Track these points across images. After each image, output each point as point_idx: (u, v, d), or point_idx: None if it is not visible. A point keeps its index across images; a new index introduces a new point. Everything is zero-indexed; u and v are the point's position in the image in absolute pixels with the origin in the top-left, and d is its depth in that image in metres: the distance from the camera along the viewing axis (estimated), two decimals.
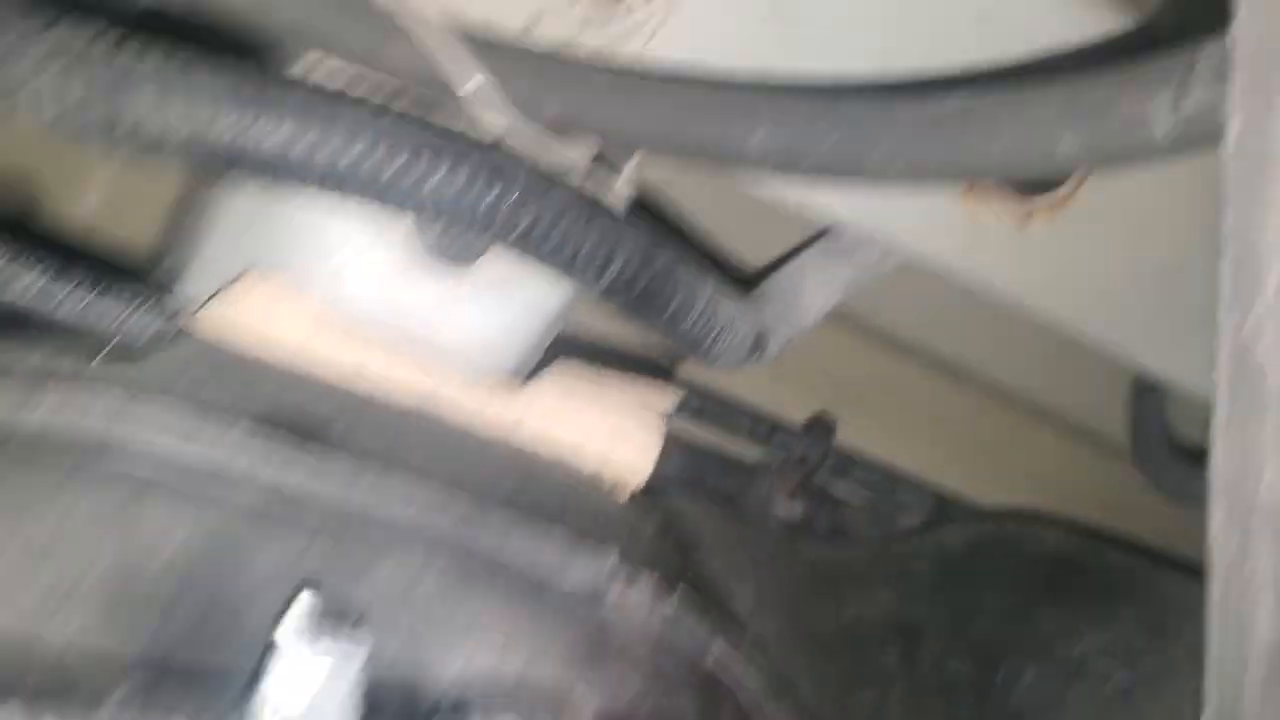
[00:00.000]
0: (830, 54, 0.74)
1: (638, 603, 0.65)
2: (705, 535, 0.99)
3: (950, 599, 1.09)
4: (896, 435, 1.26)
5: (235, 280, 0.70)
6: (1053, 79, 0.57)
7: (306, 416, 0.64)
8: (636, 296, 0.71)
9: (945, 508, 1.25)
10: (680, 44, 0.73)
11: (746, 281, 0.91)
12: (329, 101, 0.60)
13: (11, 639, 0.48)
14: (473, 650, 0.57)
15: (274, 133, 0.59)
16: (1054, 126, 0.56)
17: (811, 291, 0.90)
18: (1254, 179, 0.40)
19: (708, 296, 0.75)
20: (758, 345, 0.83)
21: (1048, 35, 0.77)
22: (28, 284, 0.66)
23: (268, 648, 0.45)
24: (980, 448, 1.28)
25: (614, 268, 0.68)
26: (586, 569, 0.64)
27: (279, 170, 0.60)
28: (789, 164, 0.65)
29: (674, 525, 0.85)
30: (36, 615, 0.49)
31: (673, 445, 1.19)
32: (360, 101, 0.62)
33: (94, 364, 0.62)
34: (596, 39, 0.73)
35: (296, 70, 0.68)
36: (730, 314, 0.77)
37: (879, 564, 1.13)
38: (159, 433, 0.57)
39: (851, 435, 1.23)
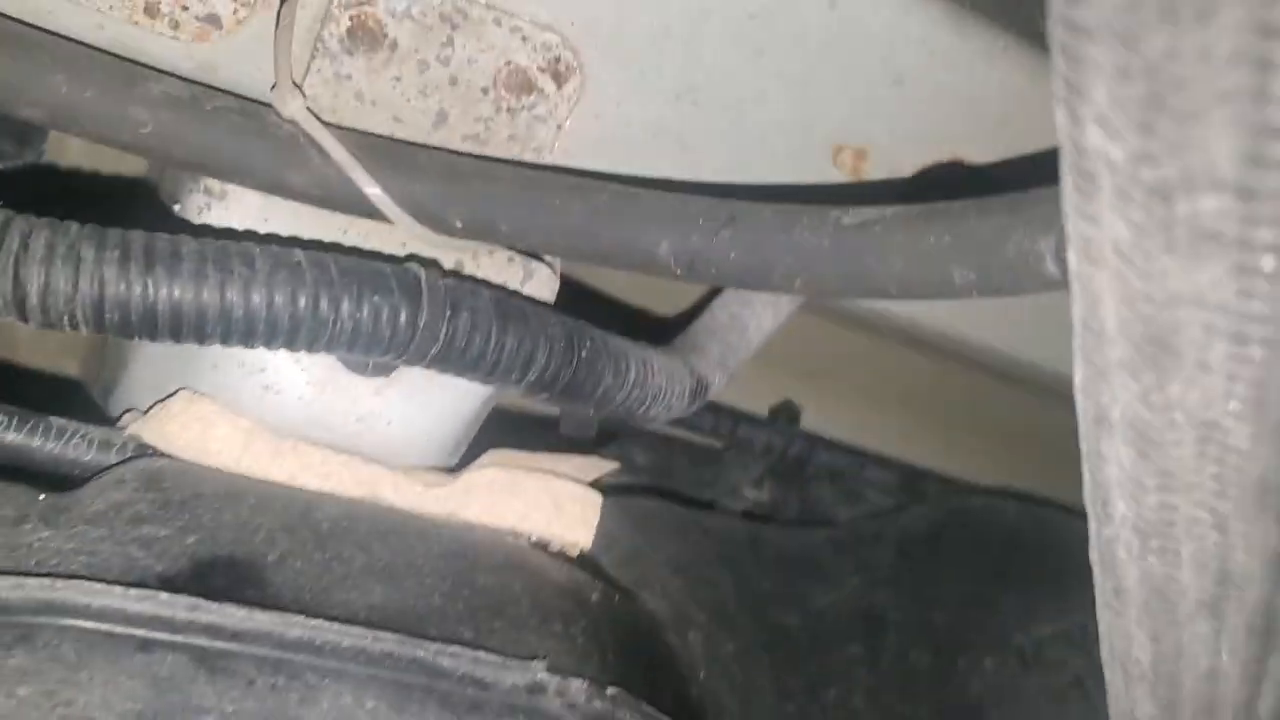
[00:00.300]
0: (738, 148, 0.74)
1: (576, 690, 0.67)
2: (667, 546, 1.02)
3: (912, 586, 1.12)
4: (863, 413, 1.28)
5: (166, 400, 0.71)
6: (947, 209, 0.57)
7: (244, 545, 0.66)
8: (562, 389, 0.72)
9: (915, 483, 1.27)
10: (591, 131, 0.73)
11: (689, 313, 0.92)
12: (220, 256, 0.61)
13: None
14: None
15: (168, 293, 0.59)
16: (947, 261, 0.56)
17: (755, 315, 0.90)
18: None
19: (636, 371, 0.75)
20: (697, 393, 0.84)
21: None
22: None
23: None
24: (948, 418, 1.30)
25: (535, 369, 0.69)
26: (525, 670, 0.66)
27: (180, 329, 0.60)
28: (696, 274, 0.65)
29: (622, 583, 0.87)
30: None
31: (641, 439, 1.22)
32: (253, 250, 0.62)
33: (29, 509, 0.64)
34: (509, 128, 0.73)
35: (194, 214, 0.68)
36: (662, 380, 0.78)
37: (844, 551, 1.15)
38: (97, 595, 0.59)
39: (817, 417, 1.24)
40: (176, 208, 0.72)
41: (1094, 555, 0.46)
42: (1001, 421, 1.28)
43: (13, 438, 0.69)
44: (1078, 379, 0.39)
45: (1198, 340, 0.32)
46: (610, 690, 0.68)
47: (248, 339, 0.62)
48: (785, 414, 1.24)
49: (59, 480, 0.70)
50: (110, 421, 0.79)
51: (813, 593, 1.12)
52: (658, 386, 0.77)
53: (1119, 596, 0.46)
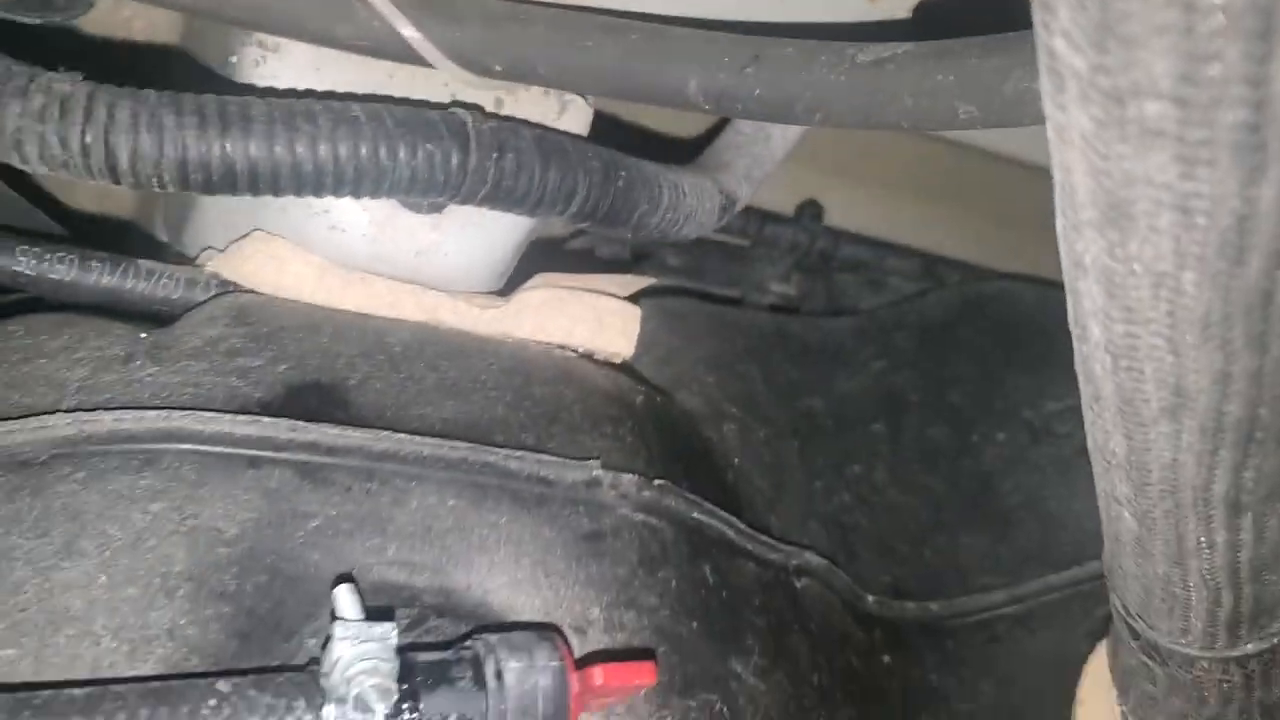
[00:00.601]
0: None
1: (628, 483, 0.77)
2: (700, 344, 1.10)
3: (931, 368, 1.20)
4: (884, 205, 1.33)
5: (241, 240, 0.78)
6: (951, 49, 0.62)
7: (328, 370, 0.74)
8: (601, 218, 0.78)
9: (935, 271, 1.33)
10: None
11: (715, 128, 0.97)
12: (287, 116, 0.66)
13: (125, 633, 0.61)
14: (488, 568, 0.70)
15: (244, 151, 0.65)
16: (952, 97, 0.62)
17: (778, 127, 0.95)
18: None
19: (669, 195, 0.81)
20: (726, 209, 0.90)
21: None
22: (60, 274, 0.75)
23: (328, 637, 0.58)
24: (967, 207, 1.35)
25: (576, 201, 0.75)
26: (582, 469, 0.75)
27: (257, 183, 0.67)
28: (722, 109, 0.71)
29: (660, 383, 0.95)
30: (137, 606, 0.61)
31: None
32: (315, 108, 0.67)
33: (136, 347, 0.72)
34: None
35: (249, 68, 0.73)
36: (693, 201, 0.84)
37: (867, 338, 1.23)
38: (209, 422, 0.67)
39: (840, 212, 1.30)
40: (233, 59, 0.77)
41: (1078, 367, 0.53)
42: (1019, 209, 1.32)
43: (107, 280, 0.76)
44: (1059, 228, 0.45)
45: (1149, 210, 0.38)
46: (657, 481, 0.78)
47: (317, 189, 0.68)
48: (810, 211, 1.30)
49: (151, 318, 0.78)
50: (180, 257, 0.87)
51: (837, 378, 1.20)
52: (689, 208, 0.83)
53: (1098, 402, 0.53)
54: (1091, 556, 1.05)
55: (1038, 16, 0.36)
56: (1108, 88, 0.35)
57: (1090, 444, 0.61)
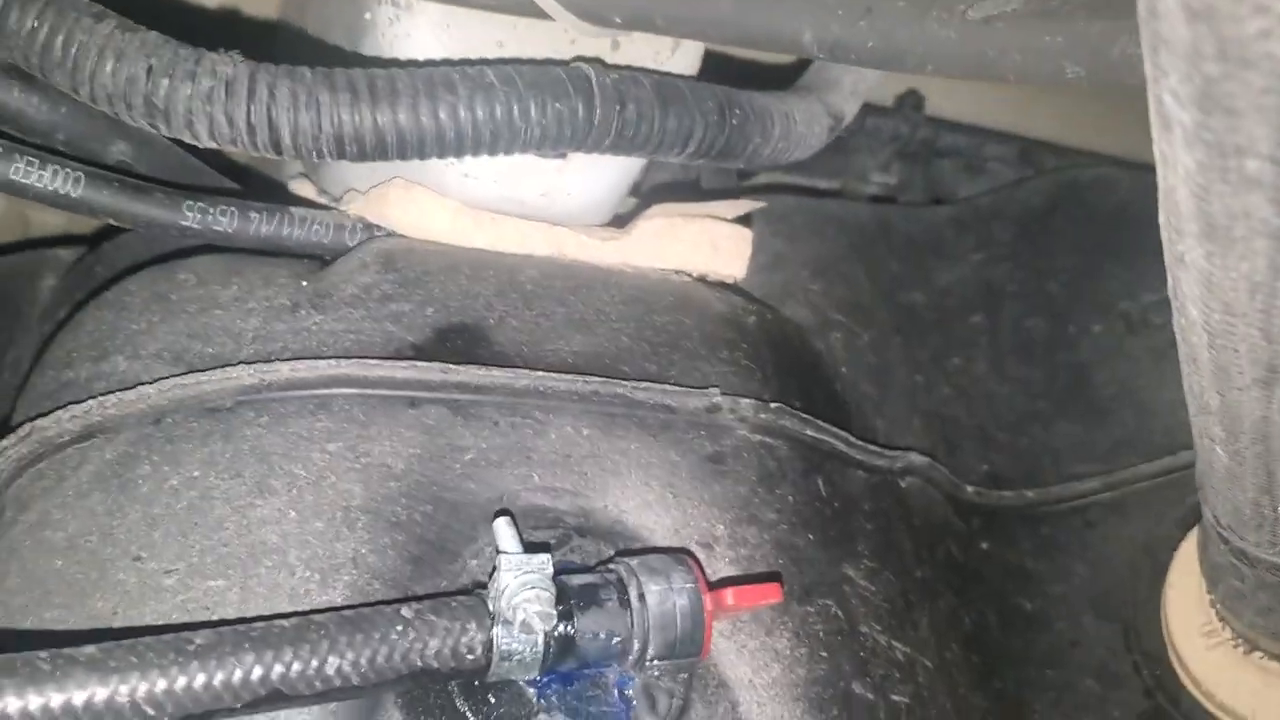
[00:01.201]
0: None
1: (745, 407, 0.83)
2: (805, 246, 1.14)
3: (1029, 259, 1.23)
4: (982, 92, 1.34)
5: (383, 186, 0.84)
6: (1059, 11, 0.65)
7: (469, 312, 0.81)
8: (717, 154, 0.82)
9: (1034, 155, 1.35)
10: None
11: None
12: (428, 86, 0.71)
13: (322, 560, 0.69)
14: (621, 491, 0.77)
15: (394, 122, 0.71)
16: (1059, 57, 0.64)
17: None
18: None
19: (780, 125, 0.85)
20: (834, 128, 0.94)
21: None
22: (223, 226, 0.82)
23: (494, 568, 0.66)
24: (1065, 89, 1.34)
25: (693, 143, 0.80)
26: (703, 396, 0.82)
27: (405, 150, 0.72)
28: (836, 58, 0.74)
29: (768, 292, 1.00)
30: (324, 537, 0.70)
31: None
32: (453, 76, 0.72)
33: (300, 296, 0.79)
34: None
35: (385, 25, 0.77)
36: (803, 127, 0.88)
37: (966, 229, 1.26)
38: (373, 368, 0.75)
39: (940, 101, 1.31)
40: (367, 17, 0.81)
41: (1176, 333, 0.58)
42: (1117, 90, 1.32)
43: (266, 229, 0.83)
44: (1161, 223, 0.49)
45: (1245, 236, 0.42)
46: (773, 404, 0.84)
47: (458, 151, 0.73)
48: (910, 101, 1.31)
49: (305, 259, 0.85)
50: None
51: (937, 271, 1.24)
52: (800, 135, 0.87)
53: (1194, 363, 0.58)
54: (1184, 445, 1.09)
55: (1150, 70, 0.40)
56: (1211, 141, 0.39)
57: (1186, 390, 0.65)
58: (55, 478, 0.74)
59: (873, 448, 0.92)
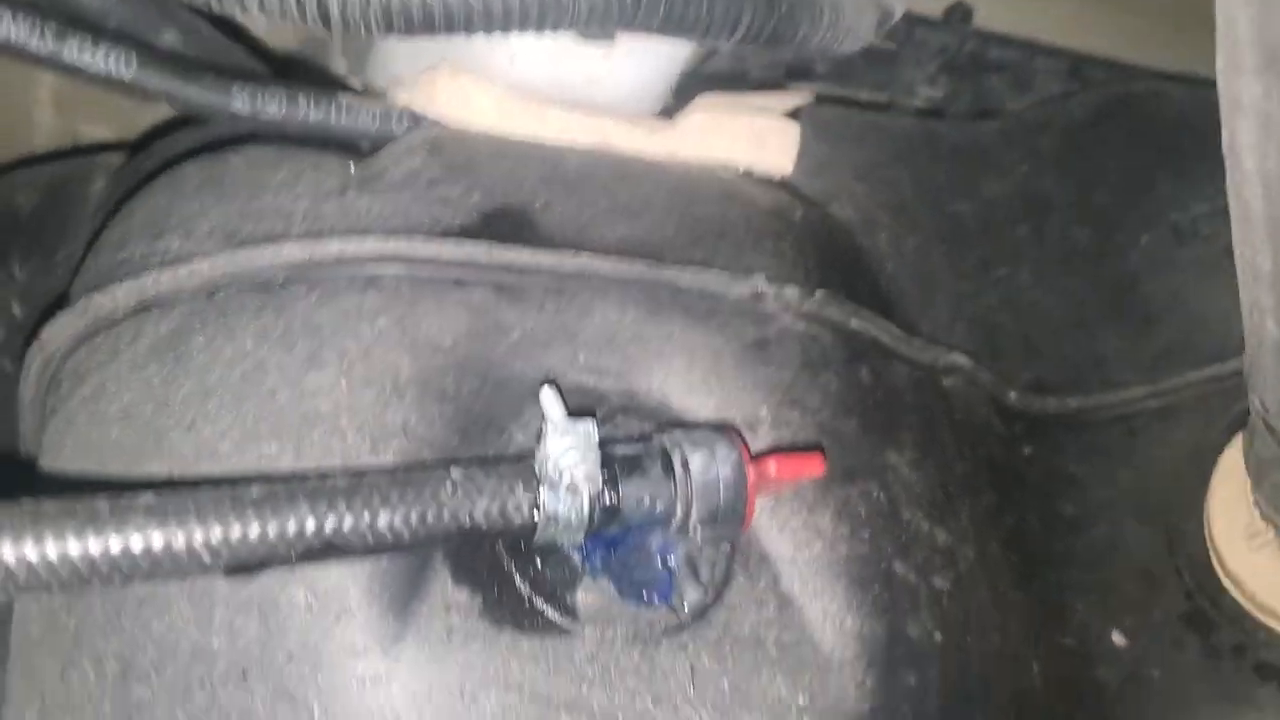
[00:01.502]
0: None
1: (790, 295, 0.83)
2: (851, 152, 1.13)
3: (1076, 170, 1.21)
4: (1032, 5, 1.32)
5: (430, 73, 0.84)
6: None
7: (514, 196, 0.81)
8: (765, 39, 0.82)
9: (1083, 70, 1.33)
10: None
11: None
12: None
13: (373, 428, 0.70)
14: (665, 373, 0.78)
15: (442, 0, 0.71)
16: None
17: None
18: None
19: (829, 14, 0.85)
20: (883, 22, 0.93)
21: None
22: (272, 112, 0.82)
23: (540, 431, 0.67)
24: (1116, 1, 1.32)
25: (742, 26, 0.80)
26: (748, 282, 0.82)
27: (453, 24, 0.72)
28: None
29: (814, 194, 1.00)
30: (374, 407, 0.71)
31: None
32: None
33: (347, 180, 0.80)
34: None
35: None
36: (851, 19, 0.87)
37: (1013, 140, 1.25)
38: (420, 247, 0.75)
39: (988, 14, 1.30)
40: None
41: (1229, 190, 0.57)
42: (1167, 5, 1.30)
43: (313, 116, 0.84)
44: (1219, 66, 0.49)
45: None
46: (817, 292, 0.84)
47: (505, 28, 0.74)
48: (958, 13, 1.29)
49: (351, 148, 0.85)
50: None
51: (984, 181, 1.23)
52: (848, 25, 0.87)
53: (1247, 222, 0.58)
54: (1232, 354, 1.08)
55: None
56: None
57: (1237, 257, 0.65)
58: (110, 351, 0.76)
59: (916, 342, 0.92)
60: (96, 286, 0.77)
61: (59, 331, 0.78)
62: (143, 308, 0.76)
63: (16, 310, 0.96)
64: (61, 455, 0.74)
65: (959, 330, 1.08)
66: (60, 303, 0.80)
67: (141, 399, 0.73)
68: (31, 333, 0.80)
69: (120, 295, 0.76)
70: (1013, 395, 1.08)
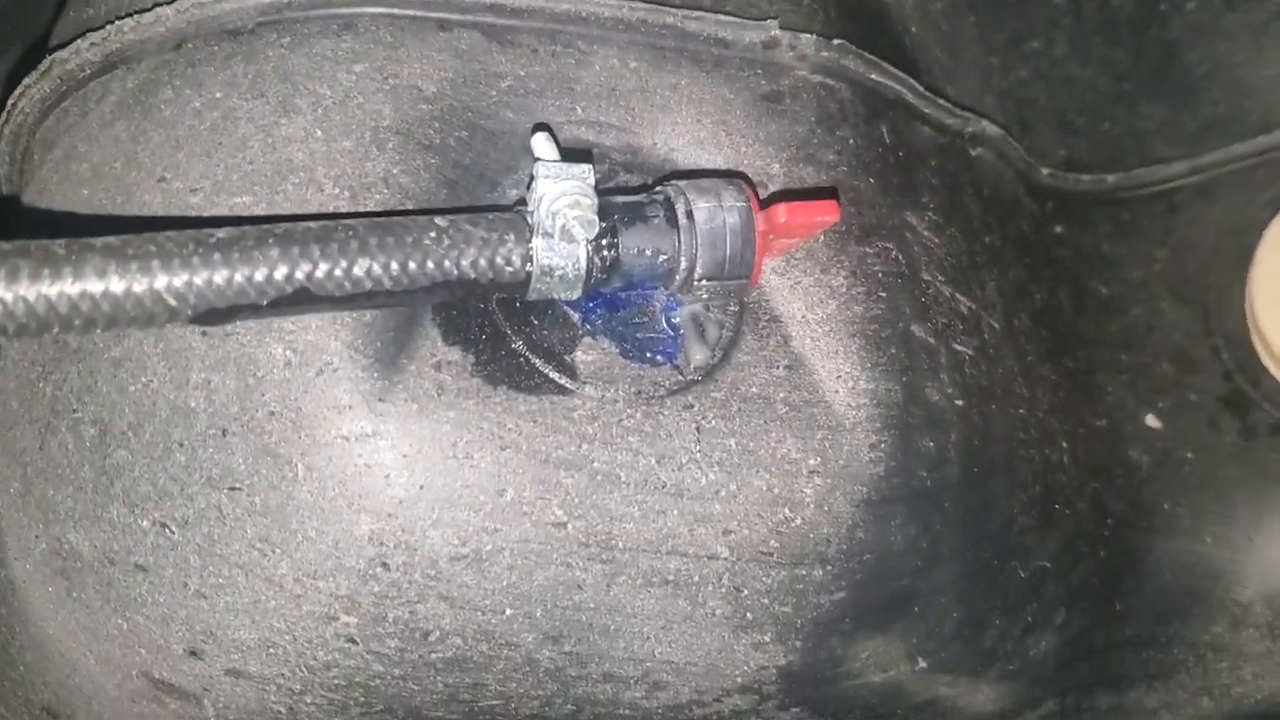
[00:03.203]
0: None
1: (806, 43, 0.77)
2: None
3: None
4: None
5: None
6: None
7: None
8: None
9: None
10: None
11: None
12: None
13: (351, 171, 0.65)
14: (671, 127, 0.72)
15: None
16: None
17: None
18: None
19: None
20: None
21: None
22: None
23: (531, 175, 0.62)
24: None
25: None
26: (760, 29, 0.75)
27: None
28: None
29: None
30: (353, 156, 0.66)
31: None
32: None
33: None
34: None
35: None
36: None
37: None
38: None
39: None
40: None
41: None
42: None
43: None
44: None
45: None
46: (835, 41, 0.77)
47: None
48: None
49: None
50: None
51: None
52: None
53: None
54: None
55: None
56: None
57: None
58: (79, 113, 0.71)
59: (942, 103, 0.86)
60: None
61: (27, 98, 0.73)
62: (109, 65, 0.71)
63: None
64: (35, 223, 0.70)
65: (988, 104, 1.01)
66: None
67: (110, 157, 0.68)
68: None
69: (84, 50, 0.71)
70: (1045, 172, 1.02)
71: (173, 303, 0.53)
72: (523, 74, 0.71)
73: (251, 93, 0.67)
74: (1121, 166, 1.05)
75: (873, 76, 0.79)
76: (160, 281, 0.52)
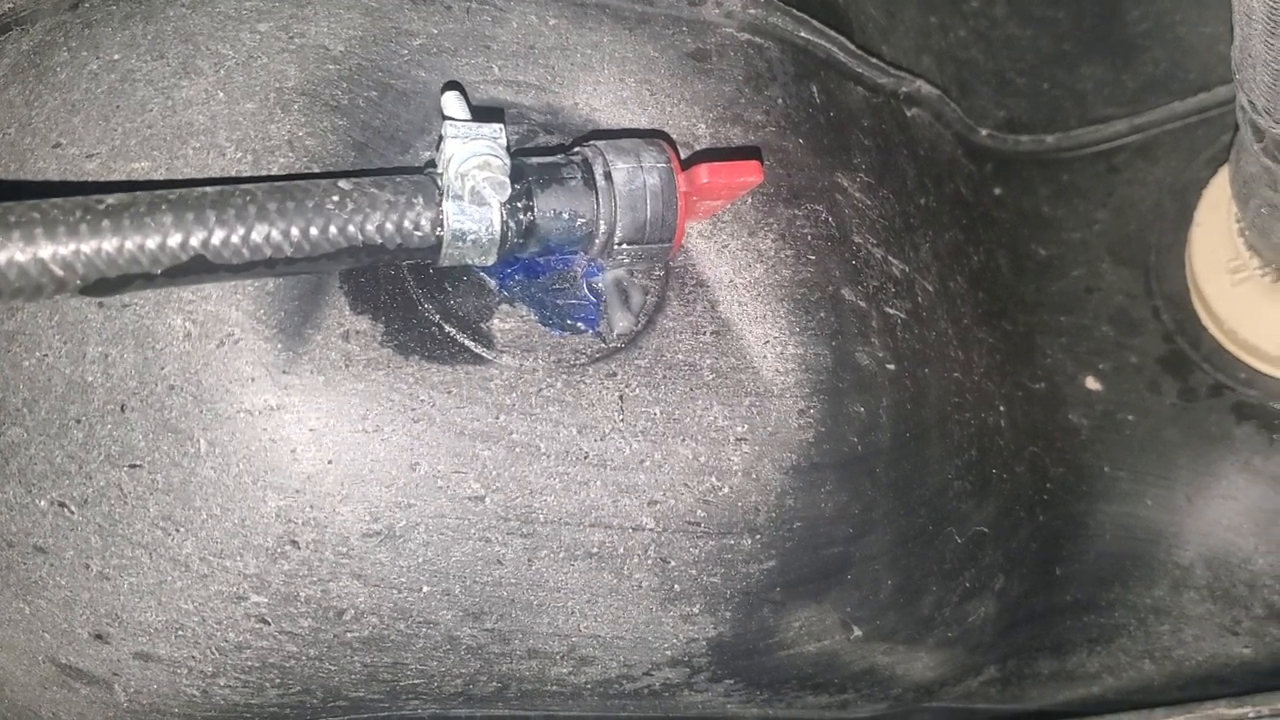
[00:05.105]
0: None
1: (732, 2, 0.74)
2: None
3: None
4: None
5: None
6: None
7: None
8: None
9: None
10: None
11: None
12: None
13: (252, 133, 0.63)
14: (593, 86, 0.70)
15: None
16: None
17: None
18: None
19: None
20: None
21: None
22: None
23: (440, 136, 0.59)
24: None
25: None
26: None
27: None
28: None
29: None
30: (256, 119, 0.63)
31: None
32: None
33: None
34: None
35: None
36: None
37: None
38: None
39: None
40: None
41: None
42: None
43: None
44: None
45: None
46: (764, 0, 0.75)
47: None
48: None
49: None
50: None
51: None
52: None
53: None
54: (1220, 81, 1.01)
55: None
56: None
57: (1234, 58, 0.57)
58: None
59: (876, 62, 0.84)
60: None
61: None
62: (3, 27, 0.68)
63: None
64: None
65: (925, 64, 0.99)
66: None
67: (3, 122, 0.65)
68: None
69: None
70: (984, 133, 1.01)
71: (59, 272, 0.50)
72: (436, 31, 0.68)
73: (151, 54, 0.64)
74: (1061, 127, 1.03)
75: (802, 34, 0.77)
76: (45, 250, 0.50)
